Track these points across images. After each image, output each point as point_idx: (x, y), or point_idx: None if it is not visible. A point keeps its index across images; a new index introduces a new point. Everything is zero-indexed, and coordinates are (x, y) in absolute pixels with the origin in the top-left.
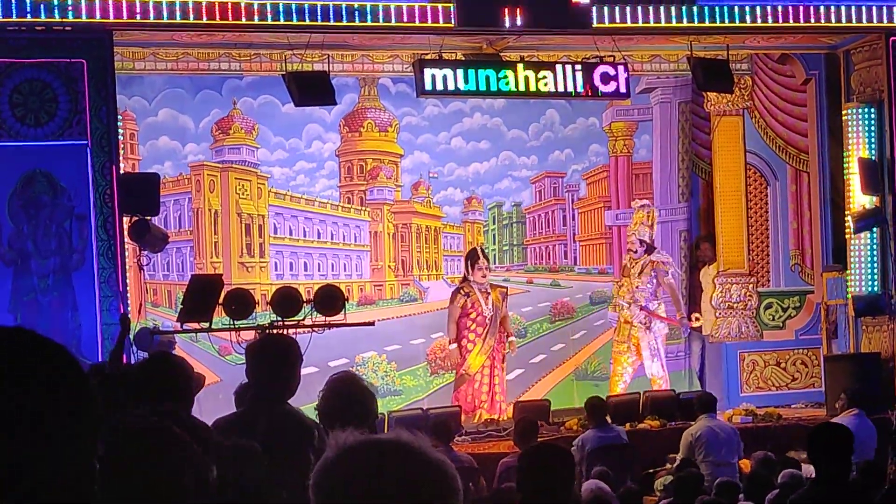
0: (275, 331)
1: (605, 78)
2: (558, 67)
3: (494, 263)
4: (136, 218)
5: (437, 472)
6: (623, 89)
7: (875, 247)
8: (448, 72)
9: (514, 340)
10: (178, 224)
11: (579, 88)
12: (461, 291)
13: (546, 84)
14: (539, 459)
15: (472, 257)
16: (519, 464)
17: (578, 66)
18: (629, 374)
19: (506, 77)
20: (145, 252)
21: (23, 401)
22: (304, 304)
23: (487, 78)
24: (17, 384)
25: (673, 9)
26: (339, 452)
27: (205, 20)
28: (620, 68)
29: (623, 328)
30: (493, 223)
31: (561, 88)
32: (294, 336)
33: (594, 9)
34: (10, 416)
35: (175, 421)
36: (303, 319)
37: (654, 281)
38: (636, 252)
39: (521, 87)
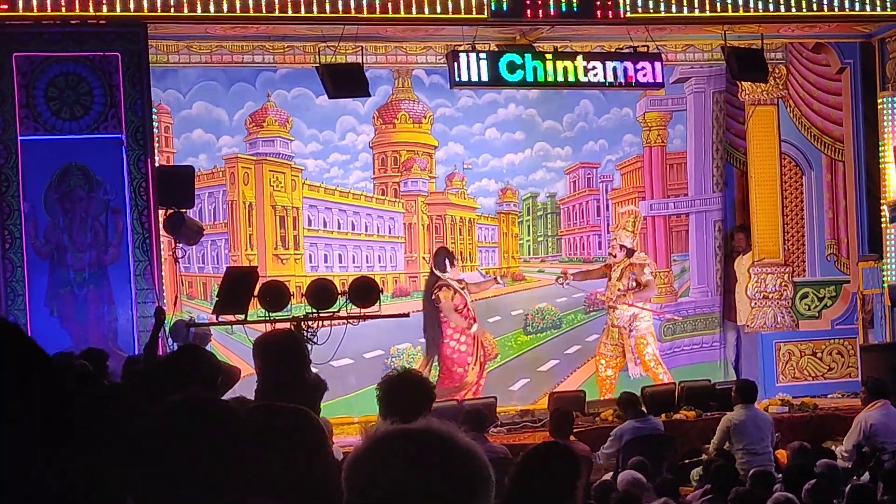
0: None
1: (639, 68)
2: (592, 58)
3: (529, 254)
4: (171, 211)
5: (468, 460)
6: (657, 79)
7: None
8: (482, 63)
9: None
10: (213, 217)
11: (613, 78)
12: (446, 287)
13: (580, 74)
14: (542, 460)
15: (448, 255)
16: (520, 464)
17: (612, 57)
18: (615, 375)
19: (540, 68)
20: (180, 245)
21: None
22: (339, 296)
23: (521, 68)
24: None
25: None
26: (369, 443)
27: (238, 13)
28: (654, 58)
29: (611, 331)
30: (528, 214)
31: (595, 79)
32: (326, 327)
33: None
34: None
35: None
36: (338, 311)
37: (633, 283)
38: (615, 256)
39: (555, 78)
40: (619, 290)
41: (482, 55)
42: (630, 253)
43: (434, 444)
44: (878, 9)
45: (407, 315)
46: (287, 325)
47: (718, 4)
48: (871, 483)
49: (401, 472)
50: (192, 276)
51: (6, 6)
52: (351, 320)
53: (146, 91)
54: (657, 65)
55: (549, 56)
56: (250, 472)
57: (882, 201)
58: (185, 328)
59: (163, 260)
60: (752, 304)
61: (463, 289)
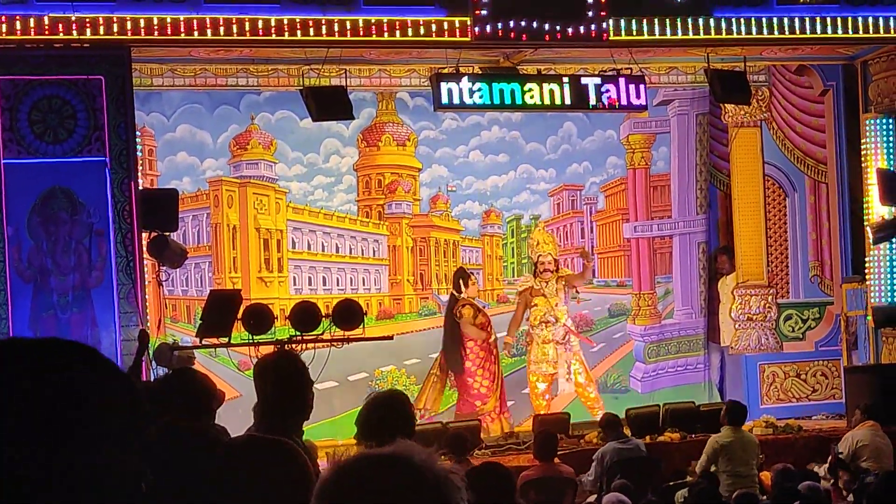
0: (285, 346)
1: (623, 90)
2: (576, 80)
3: (513, 276)
4: (155, 234)
5: (439, 484)
6: (640, 102)
7: (894, 257)
8: (465, 85)
9: None
10: (197, 239)
11: (597, 101)
12: (469, 305)
13: (563, 97)
14: (482, 479)
15: (462, 276)
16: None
17: (596, 79)
18: (550, 393)
19: (523, 90)
20: (164, 268)
21: (67, 403)
22: (323, 319)
23: (505, 91)
24: (67, 389)
25: (689, 21)
26: (336, 468)
27: (222, 36)
28: (637, 81)
29: (543, 347)
30: (512, 236)
31: (578, 101)
32: (310, 350)
33: (611, 21)
34: (55, 419)
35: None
36: (321, 334)
37: (566, 295)
38: (550, 272)
39: (539, 101)
40: (555, 305)
41: (466, 78)
42: (557, 267)
43: (404, 469)
44: (861, 31)
45: (391, 338)
46: (271, 347)
47: (701, 27)
48: None
49: (370, 499)
50: (175, 298)
51: None
52: (335, 343)
53: (130, 114)
54: (640, 87)
55: (532, 79)
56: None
57: (866, 223)
58: (169, 351)
59: (146, 283)
60: (736, 326)
61: (484, 307)
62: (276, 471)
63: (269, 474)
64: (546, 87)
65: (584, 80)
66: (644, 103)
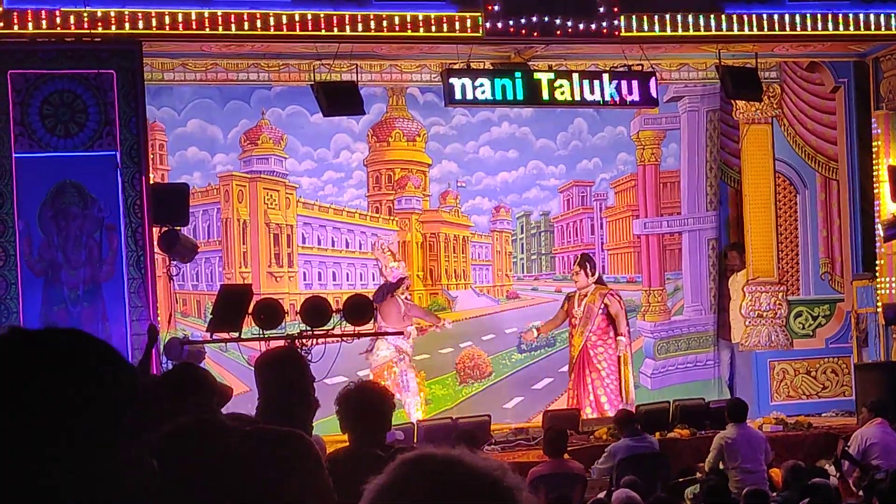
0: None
1: (633, 86)
2: (586, 76)
3: (523, 272)
4: (166, 228)
5: (504, 495)
6: (651, 98)
7: None
8: (476, 81)
9: (621, 340)
10: (207, 234)
11: (607, 97)
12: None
13: (574, 93)
14: None
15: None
16: None
17: (607, 75)
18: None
19: (534, 86)
20: (174, 262)
21: (53, 398)
22: (333, 314)
23: (515, 87)
24: (58, 381)
25: (701, 17)
26: (397, 468)
27: (233, 31)
28: (648, 77)
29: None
30: (522, 232)
31: (589, 97)
32: (320, 345)
33: (622, 18)
34: (39, 416)
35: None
36: (332, 329)
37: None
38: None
39: (549, 97)
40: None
41: (476, 74)
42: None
43: (464, 476)
44: (872, 28)
45: (401, 333)
46: (282, 342)
47: (713, 24)
48: (864, 503)
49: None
50: (186, 293)
51: (1, 24)
52: (345, 338)
53: (141, 108)
54: (651, 83)
55: (543, 75)
56: (242, 498)
57: (876, 220)
58: (180, 346)
59: (157, 277)
60: (747, 323)
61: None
62: (288, 461)
63: (281, 465)
64: (556, 82)
65: (594, 76)
66: (655, 99)
